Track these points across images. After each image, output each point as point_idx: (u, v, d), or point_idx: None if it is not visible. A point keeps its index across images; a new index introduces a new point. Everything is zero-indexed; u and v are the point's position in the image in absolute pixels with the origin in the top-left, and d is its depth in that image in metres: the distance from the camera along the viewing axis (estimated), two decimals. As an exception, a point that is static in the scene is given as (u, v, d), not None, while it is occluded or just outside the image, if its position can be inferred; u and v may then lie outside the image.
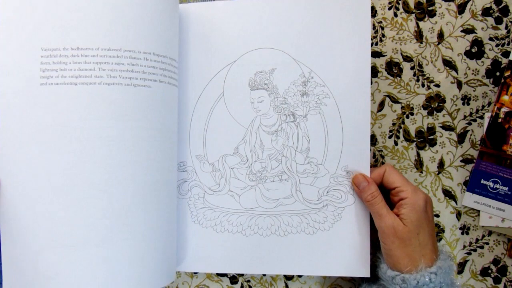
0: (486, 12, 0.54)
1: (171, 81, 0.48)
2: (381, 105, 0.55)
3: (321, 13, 0.51)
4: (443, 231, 0.55)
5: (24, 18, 0.43)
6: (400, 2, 0.55)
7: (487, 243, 0.55)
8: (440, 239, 0.55)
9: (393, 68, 0.55)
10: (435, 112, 0.55)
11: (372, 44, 0.55)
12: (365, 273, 0.51)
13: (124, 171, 0.45)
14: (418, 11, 0.55)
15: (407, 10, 0.55)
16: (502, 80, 0.52)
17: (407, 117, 0.55)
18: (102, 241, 0.44)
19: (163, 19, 0.47)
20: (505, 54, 0.54)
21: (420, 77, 0.55)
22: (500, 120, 0.52)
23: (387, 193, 0.50)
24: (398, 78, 0.55)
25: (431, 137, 0.55)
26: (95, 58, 0.43)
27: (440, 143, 0.55)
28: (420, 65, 0.55)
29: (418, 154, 0.55)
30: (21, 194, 0.43)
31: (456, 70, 0.55)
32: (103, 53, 0.43)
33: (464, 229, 0.55)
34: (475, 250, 0.55)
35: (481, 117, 0.54)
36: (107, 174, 0.44)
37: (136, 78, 0.45)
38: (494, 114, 0.53)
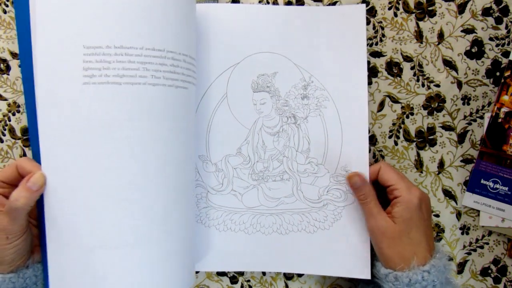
0: (486, 12, 0.54)
1: (196, 83, 0.49)
2: (381, 105, 0.56)
3: (320, 22, 0.53)
4: (443, 231, 0.56)
5: (65, 14, 0.41)
6: (400, 2, 0.55)
7: (487, 243, 0.55)
8: (440, 239, 0.56)
9: (393, 68, 0.55)
10: (435, 112, 0.55)
11: (372, 44, 0.55)
12: (366, 274, 0.51)
13: (165, 172, 0.44)
14: (418, 11, 0.55)
15: (407, 10, 0.55)
16: (502, 80, 0.52)
17: (407, 117, 0.56)
18: (144, 242, 0.44)
19: (192, 21, 0.47)
20: (505, 54, 0.54)
21: (420, 77, 0.55)
22: (500, 120, 0.53)
23: (384, 191, 0.51)
24: (398, 78, 0.55)
25: (431, 137, 0.55)
26: (139, 57, 0.42)
27: (440, 143, 0.55)
28: (420, 65, 0.55)
29: (418, 154, 0.56)
30: (67, 194, 0.43)
31: (456, 70, 0.55)
32: (147, 53, 0.42)
33: (464, 229, 0.56)
34: (475, 250, 0.55)
35: (481, 117, 0.55)
36: (149, 174, 0.43)
37: (177, 80, 0.44)
38: (494, 114, 0.53)
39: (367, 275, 0.51)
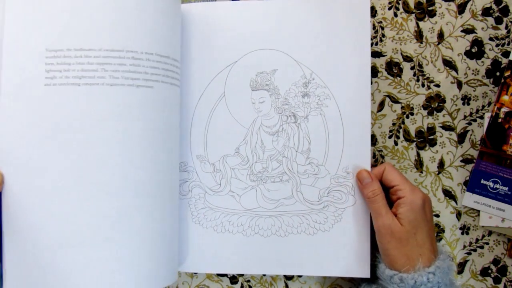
0: (486, 12, 0.54)
1: (174, 82, 0.48)
2: (381, 105, 0.56)
3: (322, 15, 0.52)
4: (443, 231, 0.55)
5: (29, 19, 0.43)
6: (400, 2, 0.55)
7: (487, 243, 0.55)
8: (440, 239, 0.55)
9: (393, 68, 0.55)
10: (435, 112, 0.55)
11: (372, 44, 0.55)
12: (365, 273, 0.51)
13: (127, 171, 0.45)
14: (418, 11, 0.55)
15: (407, 10, 0.55)
16: (502, 80, 0.52)
17: (407, 117, 0.55)
18: (104, 241, 0.44)
19: (165, 19, 0.47)
20: (505, 54, 0.54)
21: (420, 77, 0.55)
22: (500, 120, 0.53)
23: (386, 192, 0.50)
24: (398, 78, 0.55)
25: (431, 137, 0.55)
26: (98, 59, 0.43)
27: (440, 143, 0.55)
28: (420, 65, 0.55)
29: (418, 154, 0.55)
30: (26, 193, 0.43)
31: (456, 70, 0.55)
32: (105, 54, 0.43)
33: (464, 229, 0.55)
34: (475, 250, 0.55)
35: (481, 117, 0.55)
36: (110, 174, 0.44)
37: (139, 79, 0.45)
38: (494, 114, 0.53)
39: (366, 274, 0.51)
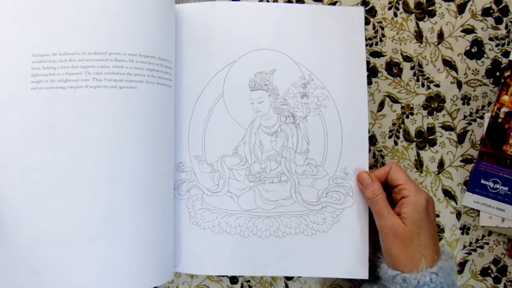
0: (486, 12, 0.54)
1: (161, 82, 0.48)
2: (381, 105, 0.55)
3: (319, 19, 0.52)
4: (443, 231, 0.55)
5: (16, 25, 0.45)
6: (400, 2, 0.55)
7: (487, 243, 0.55)
8: (440, 239, 0.55)
9: (393, 68, 0.55)
10: (435, 112, 0.55)
11: (372, 44, 0.55)
12: (364, 275, 0.51)
13: (113, 172, 0.45)
14: (418, 11, 0.54)
15: (407, 10, 0.55)
16: (502, 80, 0.52)
17: (407, 117, 0.55)
18: (92, 239, 0.45)
19: (152, 19, 0.47)
20: (505, 54, 0.54)
21: (420, 77, 0.55)
22: (500, 120, 0.52)
23: (390, 191, 0.50)
24: (398, 78, 0.55)
25: (431, 137, 0.55)
26: (81, 62, 0.45)
27: (440, 143, 0.55)
28: (420, 65, 0.55)
29: (418, 154, 0.55)
30: (13, 194, 0.45)
31: (456, 70, 0.54)
32: (89, 57, 0.45)
33: (464, 229, 0.55)
34: (475, 250, 0.55)
35: (481, 117, 0.54)
36: (96, 174, 0.45)
37: (121, 80, 0.45)
38: (494, 114, 0.53)
39: (365, 276, 0.51)
